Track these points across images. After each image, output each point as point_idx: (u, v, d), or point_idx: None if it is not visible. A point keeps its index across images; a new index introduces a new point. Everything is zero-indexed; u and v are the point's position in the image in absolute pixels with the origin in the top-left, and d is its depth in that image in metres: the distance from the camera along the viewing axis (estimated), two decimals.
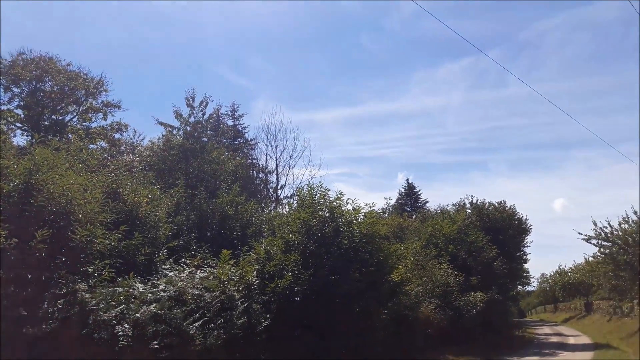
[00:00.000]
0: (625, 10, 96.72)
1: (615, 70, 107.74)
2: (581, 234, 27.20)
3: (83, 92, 26.59)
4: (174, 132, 23.51)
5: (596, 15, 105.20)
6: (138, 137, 30.18)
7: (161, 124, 25.09)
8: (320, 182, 13.95)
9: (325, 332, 11.20)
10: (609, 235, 26.76)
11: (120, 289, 8.25)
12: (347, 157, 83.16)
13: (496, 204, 32.00)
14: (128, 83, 66.01)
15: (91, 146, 20.01)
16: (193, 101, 24.32)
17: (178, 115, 23.43)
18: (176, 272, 9.81)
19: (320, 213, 12.80)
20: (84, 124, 26.59)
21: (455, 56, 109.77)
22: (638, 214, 26.05)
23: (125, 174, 13.06)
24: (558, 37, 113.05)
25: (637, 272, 25.62)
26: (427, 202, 45.89)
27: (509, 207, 31.95)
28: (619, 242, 26.36)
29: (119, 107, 28.09)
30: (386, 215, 36.62)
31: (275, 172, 30.96)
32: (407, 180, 54.22)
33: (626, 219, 26.28)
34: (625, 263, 25.64)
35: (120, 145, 26.31)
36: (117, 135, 27.24)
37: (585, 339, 25.68)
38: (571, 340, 25.79)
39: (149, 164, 19.34)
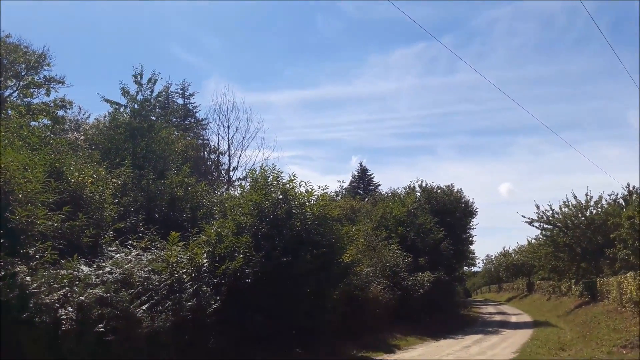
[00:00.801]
0: (569, 1, 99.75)
1: (559, 60, 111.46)
2: (524, 217, 28.30)
3: (24, 66, 25.28)
4: (121, 110, 22.72)
5: (542, 5, 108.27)
6: (83, 114, 29.01)
7: (107, 101, 24.16)
8: (273, 164, 13.96)
9: (276, 314, 11.24)
10: (550, 218, 27.93)
11: (64, 272, 7.94)
12: (301, 139, 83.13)
13: (444, 187, 32.83)
14: (74, 59, 63.40)
15: (32, 123, 19.08)
16: (141, 78, 23.49)
17: (125, 92, 22.61)
18: (123, 254, 9.54)
19: (273, 195, 12.78)
20: (25, 99, 25.32)
21: (408, 41, 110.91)
22: (577, 198, 27.27)
23: (69, 153, 12.53)
24: (506, 26, 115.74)
25: (575, 253, 26.88)
26: (380, 185, 46.47)
27: (456, 190, 32.82)
28: (559, 225, 27.54)
29: (63, 83, 26.88)
30: (339, 198, 36.86)
31: (228, 153, 30.49)
32: (360, 163, 54.75)
33: (566, 203, 27.46)
34: (565, 245, 26.85)
35: (64, 123, 25.25)
36: (60, 112, 26.11)
37: (526, 317, 26.82)
38: (513, 319, 26.89)
39: (94, 142, 18.63)
